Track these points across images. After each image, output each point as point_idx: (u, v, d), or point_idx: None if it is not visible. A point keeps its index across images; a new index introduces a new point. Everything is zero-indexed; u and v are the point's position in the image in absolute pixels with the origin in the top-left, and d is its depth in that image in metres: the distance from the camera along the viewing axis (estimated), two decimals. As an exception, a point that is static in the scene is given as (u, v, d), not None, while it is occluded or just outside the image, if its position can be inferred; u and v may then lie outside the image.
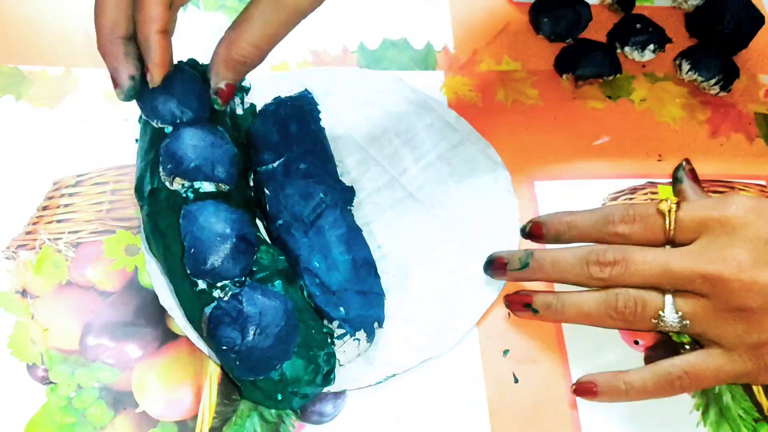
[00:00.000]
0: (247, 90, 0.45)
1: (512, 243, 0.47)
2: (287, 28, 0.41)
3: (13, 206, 0.47)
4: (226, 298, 0.38)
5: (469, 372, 0.43)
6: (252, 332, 0.37)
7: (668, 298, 0.39)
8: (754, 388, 0.43)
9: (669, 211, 0.40)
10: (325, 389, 0.40)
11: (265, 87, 0.49)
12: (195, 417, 0.41)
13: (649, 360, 0.43)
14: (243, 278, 0.39)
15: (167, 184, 0.41)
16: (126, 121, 0.51)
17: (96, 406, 0.41)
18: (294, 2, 0.40)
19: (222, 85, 0.41)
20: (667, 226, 0.40)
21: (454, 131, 0.52)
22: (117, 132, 0.51)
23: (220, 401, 0.41)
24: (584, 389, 0.41)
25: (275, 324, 0.38)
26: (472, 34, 0.59)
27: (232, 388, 0.41)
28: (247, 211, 0.42)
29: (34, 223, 0.47)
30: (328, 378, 0.40)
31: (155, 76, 0.40)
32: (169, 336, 0.43)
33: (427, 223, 0.47)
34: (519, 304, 0.43)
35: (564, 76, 0.56)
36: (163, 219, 0.40)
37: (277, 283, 0.40)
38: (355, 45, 0.57)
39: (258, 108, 0.47)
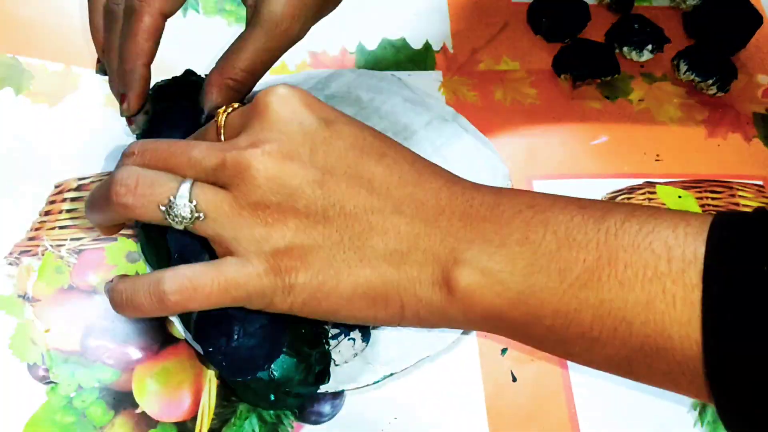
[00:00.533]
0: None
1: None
2: (279, 54, 0.41)
3: (15, 210, 0.47)
4: None
5: (467, 371, 0.43)
6: (236, 333, 0.37)
7: (185, 184, 0.34)
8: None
9: (222, 112, 0.37)
10: (323, 389, 0.40)
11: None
12: (194, 418, 0.41)
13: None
14: None
15: None
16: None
17: (96, 405, 0.41)
18: (285, 29, 0.40)
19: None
20: (218, 129, 0.37)
21: (452, 129, 0.52)
22: (118, 136, 0.51)
23: (218, 402, 0.42)
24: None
25: (259, 323, 0.38)
26: (470, 33, 0.59)
27: (230, 390, 0.42)
28: None
29: (37, 229, 0.47)
30: (321, 377, 0.39)
31: (133, 106, 0.41)
32: (169, 340, 0.43)
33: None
34: None
35: (562, 76, 0.56)
36: (154, 228, 0.40)
37: None
38: (353, 45, 0.57)
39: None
